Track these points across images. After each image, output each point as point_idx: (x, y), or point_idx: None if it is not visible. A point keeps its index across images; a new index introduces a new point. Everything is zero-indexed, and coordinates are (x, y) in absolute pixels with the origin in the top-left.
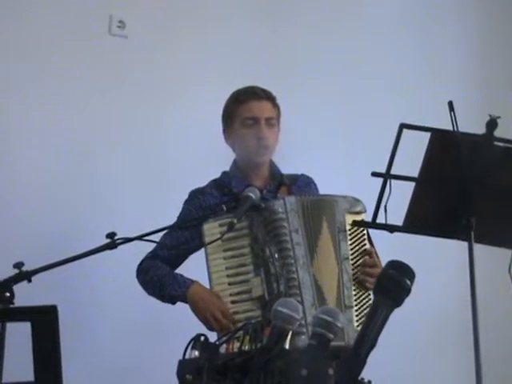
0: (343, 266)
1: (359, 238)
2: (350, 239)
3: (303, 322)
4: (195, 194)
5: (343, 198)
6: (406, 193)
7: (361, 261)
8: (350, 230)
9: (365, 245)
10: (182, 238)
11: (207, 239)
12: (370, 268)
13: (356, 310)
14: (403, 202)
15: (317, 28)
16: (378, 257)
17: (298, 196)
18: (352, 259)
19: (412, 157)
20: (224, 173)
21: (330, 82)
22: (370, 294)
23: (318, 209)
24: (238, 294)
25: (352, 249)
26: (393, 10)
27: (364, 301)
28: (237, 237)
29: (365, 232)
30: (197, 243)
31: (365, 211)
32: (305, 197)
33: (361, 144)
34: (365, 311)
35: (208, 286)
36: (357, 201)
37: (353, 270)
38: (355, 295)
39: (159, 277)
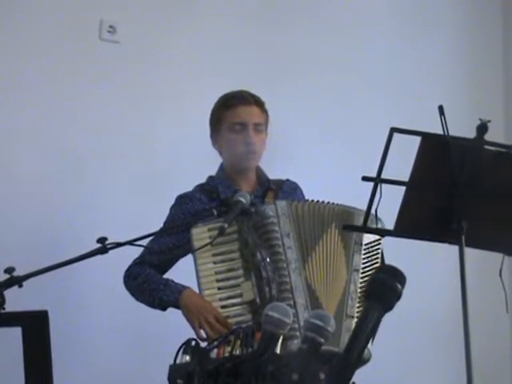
0: (352, 276)
1: (373, 256)
2: (364, 253)
3: (296, 326)
4: (183, 200)
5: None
6: (397, 197)
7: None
8: (366, 245)
9: (377, 263)
10: (169, 243)
11: (196, 244)
12: None
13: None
14: (394, 206)
15: (310, 31)
16: None
17: (292, 201)
18: (362, 273)
19: (403, 161)
20: (210, 177)
21: (322, 85)
22: None
23: (337, 217)
24: (228, 298)
25: (364, 263)
26: (385, 14)
27: None
28: (226, 241)
29: (379, 252)
30: (185, 249)
31: None
32: (318, 203)
33: (352, 148)
34: None
35: (197, 291)
36: (378, 219)
37: (361, 283)
38: (358, 307)
39: (149, 283)
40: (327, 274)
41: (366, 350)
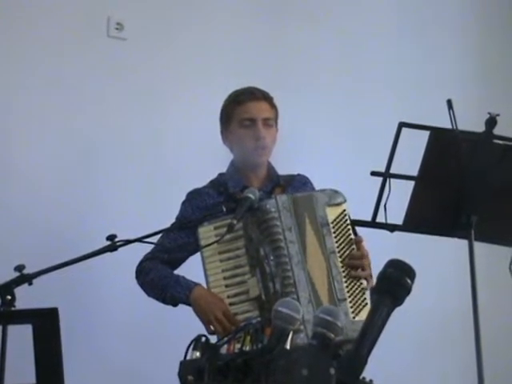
0: (331, 260)
1: (343, 230)
2: (334, 232)
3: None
4: (192, 195)
5: (321, 191)
6: (406, 192)
7: (348, 252)
8: (332, 223)
9: (350, 235)
10: (179, 239)
11: (203, 243)
12: (357, 260)
13: (350, 302)
14: (403, 200)
15: (318, 27)
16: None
17: (289, 194)
18: (339, 251)
19: (412, 155)
20: (220, 174)
21: (330, 81)
22: (362, 284)
23: (299, 206)
24: (236, 295)
25: (337, 241)
26: (392, 8)
27: (357, 291)
28: (232, 239)
29: (348, 222)
30: (195, 245)
31: (345, 201)
32: (292, 195)
33: (361, 143)
34: (359, 301)
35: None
36: (335, 192)
37: (341, 262)
38: (347, 287)
39: (161, 278)
40: (317, 264)
41: None
